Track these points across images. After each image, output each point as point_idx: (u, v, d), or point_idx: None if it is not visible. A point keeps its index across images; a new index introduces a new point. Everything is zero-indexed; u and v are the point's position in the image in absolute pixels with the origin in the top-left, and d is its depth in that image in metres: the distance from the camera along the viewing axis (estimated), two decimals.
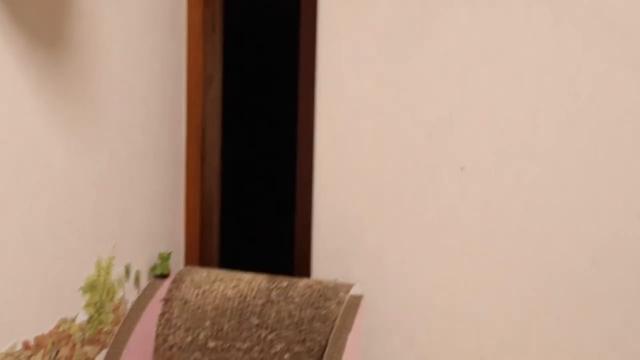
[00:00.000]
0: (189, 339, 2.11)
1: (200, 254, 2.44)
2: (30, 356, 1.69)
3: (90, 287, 1.91)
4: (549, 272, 2.17)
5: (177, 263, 2.38)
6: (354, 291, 2.13)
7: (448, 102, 2.22)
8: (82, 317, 1.89)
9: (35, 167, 1.65)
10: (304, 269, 2.37)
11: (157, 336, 2.13)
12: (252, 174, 3.05)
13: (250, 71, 2.94)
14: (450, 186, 2.23)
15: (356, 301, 2.08)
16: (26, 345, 1.67)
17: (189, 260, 2.42)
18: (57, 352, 1.79)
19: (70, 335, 1.84)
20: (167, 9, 2.22)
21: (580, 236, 2.14)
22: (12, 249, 1.60)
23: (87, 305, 1.91)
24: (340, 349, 1.95)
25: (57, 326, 1.79)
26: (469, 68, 2.19)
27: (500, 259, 2.21)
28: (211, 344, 2.10)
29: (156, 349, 2.12)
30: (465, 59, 2.19)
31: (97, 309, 1.95)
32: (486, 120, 2.19)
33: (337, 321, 2.02)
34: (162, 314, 2.15)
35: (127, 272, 2.08)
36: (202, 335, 2.11)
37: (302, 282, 2.16)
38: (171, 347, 2.12)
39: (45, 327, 1.75)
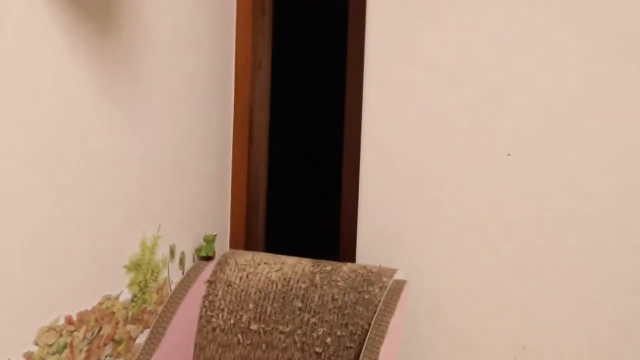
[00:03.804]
0: (232, 321, 2.12)
1: (246, 237, 2.44)
2: (72, 331, 1.70)
3: (135, 266, 1.92)
4: (593, 259, 2.14)
5: (222, 245, 2.39)
6: (397, 276, 2.12)
7: (494, 87, 2.19)
8: (126, 296, 1.90)
9: (80, 143, 1.66)
10: (349, 254, 2.36)
11: (200, 317, 2.14)
12: (300, 159, 3.04)
13: (299, 57, 2.93)
14: (495, 172, 2.21)
15: (399, 286, 2.07)
16: (69, 320, 1.69)
17: (234, 243, 2.43)
18: (100, 328, 1.80)
19: (113, 313, 1.85)
20: None
21: (624, 224, 2.09)
22: (56, 224, 1.61)
23: (131, 284, 1.92)
24: (382, 332, 1.94)
25: (101, 303, 1.80)
26: (514, 54, 2.17)
27: (544, 245, 2.19)
28: (254, 327, 2.10)
29: (199, 330, 2.13)
30: (510, 46, 2.17)
31: (141, 288, 1.96)
32: (532, 106, 2.16)
33: (380, 305, 2.00)
34: (206, 296, 2.16)
35: (172, 252, 2.09)
36: (245, 318, 2.12)
37: (346, 267, 2.15)
38: (214, 329, 2.13)
39: (89, 303, 1.76)
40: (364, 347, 1.90)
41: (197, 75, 2.16)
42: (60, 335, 1.66)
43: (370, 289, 2.07)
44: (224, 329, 2.12)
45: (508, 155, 2.21)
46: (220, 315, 2.13)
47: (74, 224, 1.67)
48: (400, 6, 2.26)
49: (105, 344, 1.82)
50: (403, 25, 2.27)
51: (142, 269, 1.95)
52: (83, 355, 1.74)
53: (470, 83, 2.22)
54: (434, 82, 2.25)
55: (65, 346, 1.68)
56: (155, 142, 1.97)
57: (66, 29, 1.57)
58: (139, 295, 1.95)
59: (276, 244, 2.57)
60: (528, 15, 2.14)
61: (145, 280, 1.97)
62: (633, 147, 2.09)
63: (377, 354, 1.90)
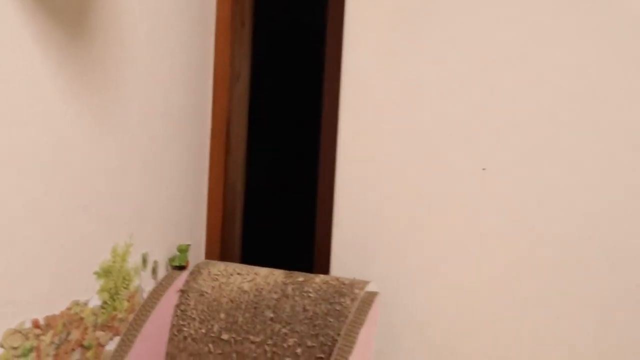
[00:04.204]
0: (203, 330, 2.12)
1: (222, 248, 2.45)
2: (39, 335, 1.70)
3: (105, 273, 1.93)
4: (569, 274, 2.14)
5: (197, 256, 2.39)
6: (369, 288, 2.12)
7: (471, 102, 2.21)
8: (96, 302, 1.91)
9: (51, 148, 1.67)
10: (323, 266, 2.36)
11: (172, 326, 2.14)
12: (276, 171, 3.06)
13: (278, 69, 2.96)
14: (471, 186, 2.22)
15: (371, 297, 2.07)
16: (35, 324, 1.69)
17: (210, 254, 2.44)
18: (68, 334, 1.80)
19: (82, 319, 1.85)
20: (195, 0, 2.25)
21: (601, 238, 2.11)
22: (25, 227, 1.62)
23: (101, 290, 1.92)
24: (351, 342, 1.94)
25: (69, 308, 1.80)
26: (493, 69, 2.18)
27: (520, 259, 2.19)
28: (225, 336, 2.10)
29: (170, 339, 2.13)
30: (488, 60, 2.18)
31: (112, 295, 1.96)
32: (508, 121, 2.17)
33: (350, 316, 2.01)
34: (178, 305, 2.16)
35: (145, 261, 2.10)
36: (216, 327, 2.12)
37: (318, 278, 2.16)
38: (185, 338, 2.13)
39: (56, 307, 1.76)
40: (333, 357, 1.90)
41: (173, 85, 2.18)
42: (27, 338, 1.66)
43: (342, 300, 2.08)
44: (195, 338, 2.12)
45: (483, 169, 2.22)
46: (192, 325, 2.13)
47: (43, 228, 1.68)
48: (379, 19, 2.28)
49: (73, 350, 1.83)
50: (381, 38, 2.29)
51: (112, 276, 1.96)
52: (50, 359, 1.74)
53: (448, 97, 2.23)
54: (412, 95, 2.27)
55: (31, 350, 1.68)
56: (129, 151, 1.99)
57: (38, 35, 1.59)
58: (109, 302, 1.95)
59: (252, 256, 2.57)
60: (507, 30, 2.16)
61: (116, 287, 1.98)
62: (611, 163, 2.10)
63: None
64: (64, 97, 1.70)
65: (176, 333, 2.13)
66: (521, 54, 2.15)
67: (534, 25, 2.13)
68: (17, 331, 1.64)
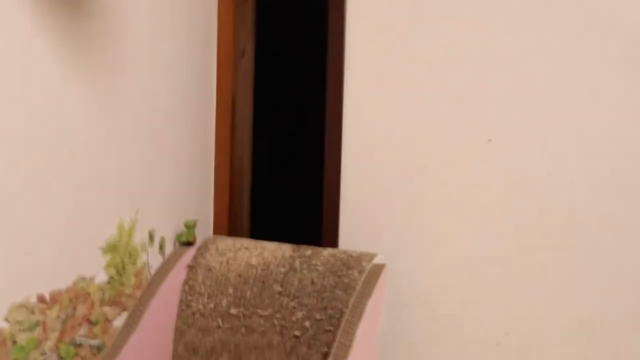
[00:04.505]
0: (212, 305, 2.12)
1: (230, 224, 2.44)
2: (45, 309, 1.71)
3: (111, 248, 1.93)
4: (576, 245, 2.12)
5: (206, 232, 2.40)
6: (377, 261, 2.11)
7: (475, 74, 2.19)
8: (102, 278, 1.91)
9: (53, 124, 1.68)
10: (331, 241, 2.36)
11: (180, 302, 2.14)
12: (283, 146, 3.05)
13: (282, 45, 2.94)
14: (477, 158, 2.20)
15: (378, 269, 2.07)
16: (41, 299, 1.69)
17: (218, 230, 2.44)
18: (75, 308, 1.81)
19: (88, 294, 1.86)
20: None
21: (608, 212, 2.08)
22: (29, 201, 1.62)
23: (108, 266, 1.92)
24: (359, 314, 1.94)
25: (75, 283, 1.81)
26: (495, 40, 2.16)
27: (526, 231, 2.17)
28: (233, 311, 2.10)
29: (179, 315, 2.13)
30: (491, 32, 2.16)
31: (118, 270, 1.96)
32: (513, 92, 2.15)
33: (358, 288, 2.00)
34: (186, 281, 2.16)
35: (151, 237, 2.10)
36: (224, 302, 2.12)
37: (326, 252, 2.15)
38: (194, 313, 2.13)
39: (62, 282, 1.77)
40: (340, 328, 1.90)
41: (176, 62, 2.17)
42: (32, 313, 1.67)
43: (349, 272, 2.07)
44: (203, 313, 2.13)
45: (489, 140, 2.20)
46: (200, 300, 2.14)
47: (46, 202, 1.69)
48: None
49: (80, 324, 1.83)
50: (385, 15, 2.27)
51: (119, 252, 1.96)
52: (56, 334, 1.75)
53: (452, 70, 2.22)
54: (416, 69, 2.25)
55: (37, 324, 1.68)
56: (133, 127, 1.98)
57: (36, 13, 1.58)
58: (115, 278, 1.96)
59: (261, 231, 2.57)
60: (511, 4, 2.14)
61: (123, 263, 1.98)
62: (617, 135, 2.08)
63: (354, 335, 1.90)
64: (65, 74, 1.70)
65: (184, 308, 2.14)
66: (525, 22, 2.13)
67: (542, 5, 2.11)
68: (22, 305, 1.64)
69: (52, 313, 1.74)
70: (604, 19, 2.05)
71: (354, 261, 2.10)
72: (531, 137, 2.14)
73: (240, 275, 2.13)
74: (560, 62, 2.10)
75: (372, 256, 2.12)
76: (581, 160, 2.09)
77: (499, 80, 2.16)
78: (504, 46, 2.15)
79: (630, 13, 2.01)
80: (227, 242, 2.22)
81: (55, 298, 1.74)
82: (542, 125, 2.13)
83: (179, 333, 2.13)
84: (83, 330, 1.84)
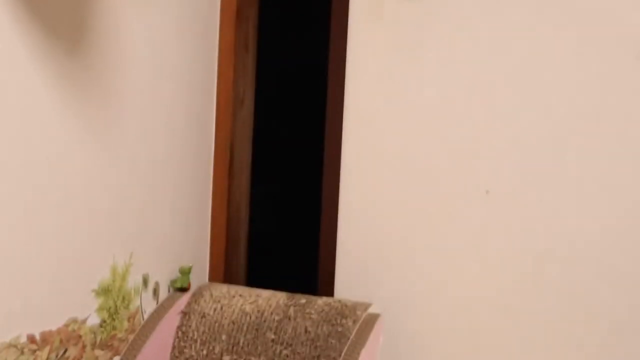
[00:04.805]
0: (205, 352, 2.10)
1: (225, 271, 2.44)
2: (35, 350, 1.69)
3: (104, 291, 1.92)
4: (572, 298, 2.12)
5: (201, 279, 2.38)
6: (372, 310, 2.10)
7: (472, 125, 2.21)
8: (94, 320, 1.89)
9: (47, 163, 1.68)
10: (327, 289, 2.35)
11: (173, 348, 2.12)
12: (281, 195, 3.06)
13: (282, 94, 2.97)
14: (475, 209, 2.21)
15: (372, 319, 2.05)
16: (31, 339, 1.68)
17: (214, 277, 2.43)
18: (65, 350, 1.79)
19: (80, 336, 1.84)
20: (199, 24, 2.27)
21: (605, 263, 2.08)
22: (21, 240, 1.62)
23: (100, 309, 1.91)
24: None
25: (66, 325, 1.79)
26: (495, 90, 2.18)
27: (524, 282, 2.17)
28: (226, 358, 2.08)
29: None
30: (491, 82, 2.19)
31: (111, 314, 1.95)
32: (511, 143, 2.16)
33: (352, 337, 1.99)
34: (180, 326, 2.15)
35: (145, 281, 2.09)
36: (217, 349, 2.10)
37: (321, 300, 2.14)
38: (187, 359, 2.11)
39: (53, 323, 1.75)
40: None
41: (176, 107, 2.18)
42: (22, 352, 1.65)
43: (344, 321, 2.06)
44: (196, 359, 2.10)
45: (487, 192, 2.21)
46: (193, 346, 2.12)
47: (39, 242, 1.68)
48: (382, 41, 2.29)
49: None
50: (384, 61, 2.30)
51: (112, 295, 1.95)
52: None
53: (449, 120, 2.23)
54: (414, 118, 2.27)
55: None
56: (130, 169, 1.99)
57: (34, 46, 1.60)
58: (108, 321, 1.94)
59: (258, 279, 2.56)
60: (510, 52, 2.16)
61: (116, 306, 1.97)
62: (614, 186, 2.08)
63: None
64: (62, 112, 1.71)
65: (177, 354, 2.12)
66: (524, 74, 2.15)
67: (536, 44, 2.13)
68: (11, 345, 1.62)
69: (43, 354, 1.72)
70: (601, 75, 2.07)
71: (349, 310, 2.09)
72: (529, 188, 2.15)
73: (234, 322, 2.12)
74: (560, 114, 2.11)
75: (366, 305, 2.11)
76: (579, 211, 2.10)
77: (497, 131, 2.17)
78: (502, 97, 2.17)
79: (626, 69, 2.04)
80: (222, 289, 2.22)
81: (46, 339, 1.73)
82: (540, 176, 2.13)
83: None
84: None
